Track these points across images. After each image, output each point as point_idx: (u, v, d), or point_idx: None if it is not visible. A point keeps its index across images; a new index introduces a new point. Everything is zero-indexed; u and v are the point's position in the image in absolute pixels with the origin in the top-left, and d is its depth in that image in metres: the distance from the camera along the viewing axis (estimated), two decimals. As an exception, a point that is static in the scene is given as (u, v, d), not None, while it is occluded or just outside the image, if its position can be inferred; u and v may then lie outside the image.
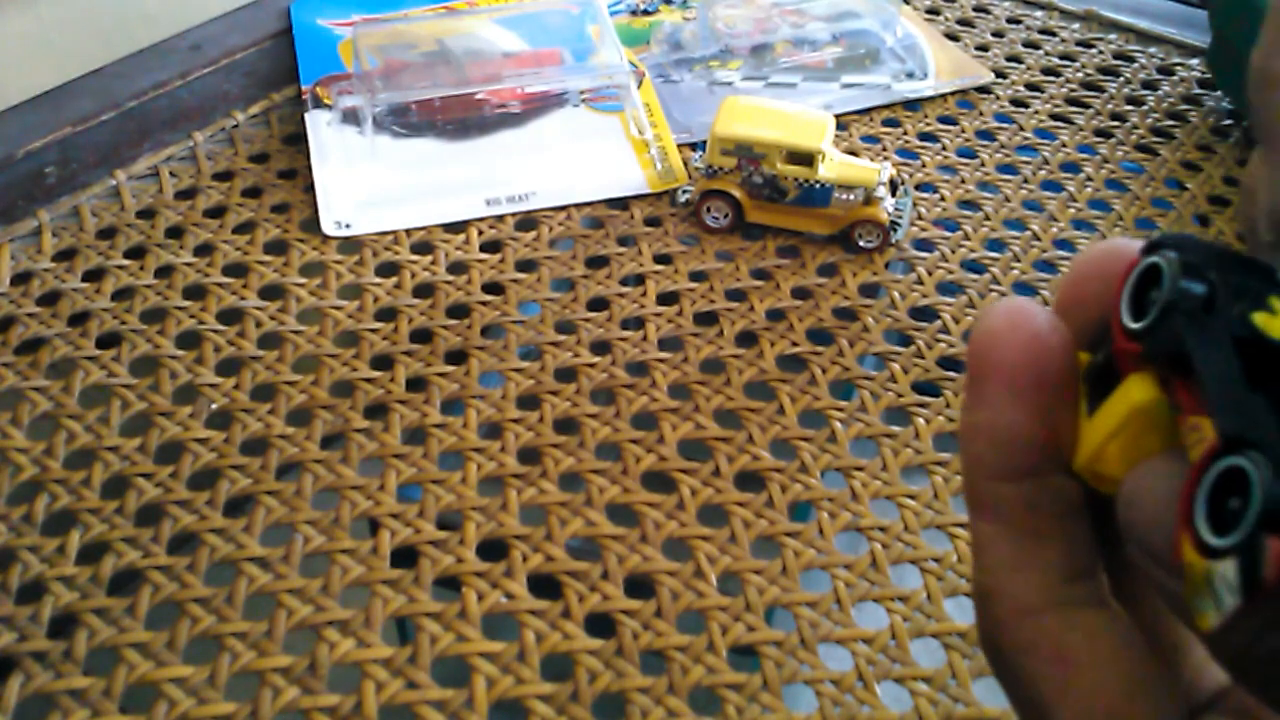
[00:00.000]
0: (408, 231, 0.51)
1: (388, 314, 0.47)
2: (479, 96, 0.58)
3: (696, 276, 0.49)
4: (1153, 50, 0.66)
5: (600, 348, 0.45)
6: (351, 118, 0.56)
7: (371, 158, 0.55)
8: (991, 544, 0.15)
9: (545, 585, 0.36)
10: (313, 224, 0.51)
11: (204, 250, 0.50)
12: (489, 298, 0.48)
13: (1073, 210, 0.54)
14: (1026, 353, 0.15)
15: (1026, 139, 0.59)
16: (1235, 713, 0.15)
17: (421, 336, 0.46)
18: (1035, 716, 0.15)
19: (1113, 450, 0.15)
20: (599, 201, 0.53)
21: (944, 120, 0.60)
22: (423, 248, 0.50)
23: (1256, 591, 0.11)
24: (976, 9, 0.70)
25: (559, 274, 0.49)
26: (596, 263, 0.50)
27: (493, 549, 0.38)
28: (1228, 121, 0.60)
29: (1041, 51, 0.66)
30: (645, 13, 0.67)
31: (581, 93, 0.59)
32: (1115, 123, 0.60)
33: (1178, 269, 0.14)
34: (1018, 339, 0.15)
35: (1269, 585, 0.11)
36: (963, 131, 0.59)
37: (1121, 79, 0.64)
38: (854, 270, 0.50)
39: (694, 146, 0.56)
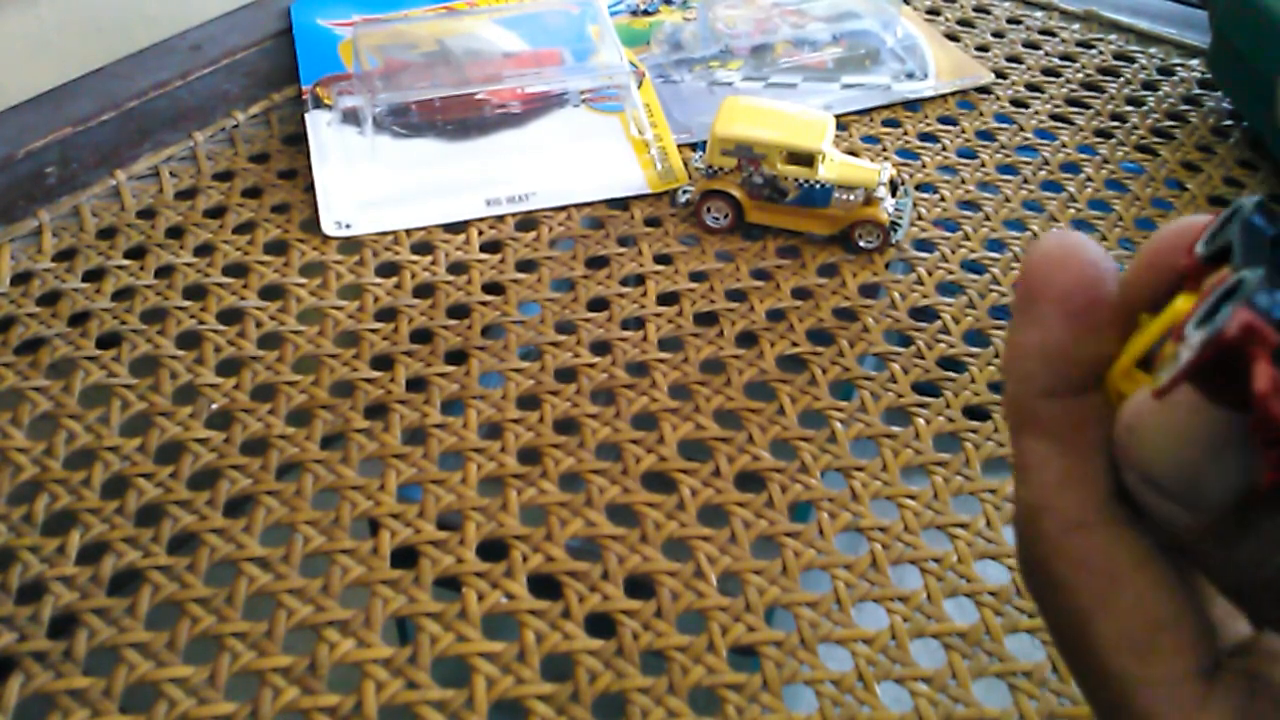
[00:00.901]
0: (408, 231, 0.51)
1: (388, 314, 0.47)
2: (479, 96, 0.58)
3: (696, 277, 0.49)
4: (1153, 50, 0.66)
5: (600, 348, 0.45)
6: (351, 118, 0.56)
7: (371, 158, 0.55)
8: (1042, 460, 0.16)
9: (545, 585, 0.36)
10: (313, 224, 0.51)
11: (204, 250, 0.50)
12: (489, 298, 0.48)
13: (1073, 211, 0.54)
14: (1081, 277, 0.16)
15: (1026, 139, 0.59)
16: (1247, 675, 0.15)
17: (421, 336, 0.46)
18: (1073, 630, 0.15)
19: (1139, 371, 0.15)
20: (599, 201, 0.53)
21: (944, 120, 0.60)
22: (423, 248, 0.50)
23: (1217, 340, 0.12)
24: (977, 9, 0.70)
25: (559, 274, 0.49)
26: (596, 263, 0.50)
27: (493, 549, 0.38)
28: (1228, 122, 0.60)
29: (1041, 52, 0.66)
30: (645, 13, 0.67)
31: (581, 93, 0.59)
32: (1115, 123, 0.60)
33: (1253, 208, 0.14)
34: (1073, 264, 0.16)
35: (1227, 338, 0.12)
36: (963, 132, 0.59)
37: (1121, 79, 0.64)
38: (854, 270, 0.50)
39: (694, 147, 0.56)
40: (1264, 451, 0.12)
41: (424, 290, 0.48)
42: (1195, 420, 0.14)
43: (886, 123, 0.60)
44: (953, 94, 0.62)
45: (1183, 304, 0.15)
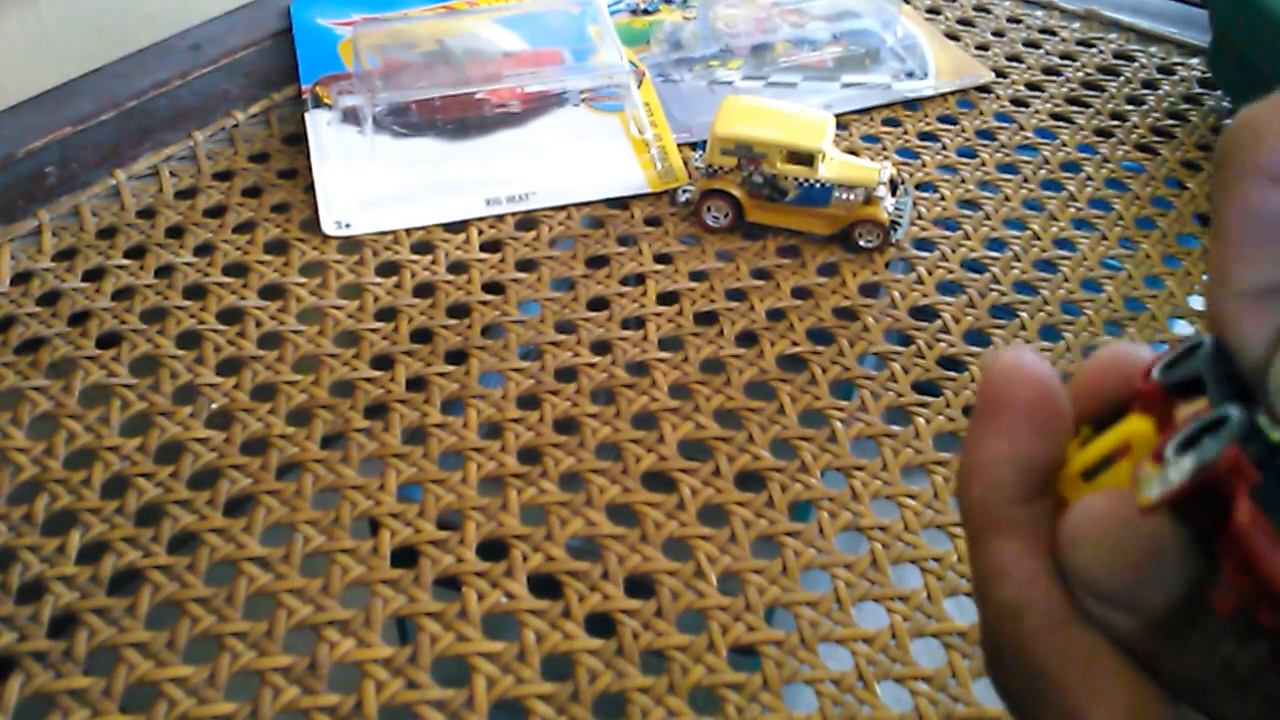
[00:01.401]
0: (408, 231, 0.51)
1: (388, 314, 0.47)
2: (479, 96, 0.58)
3: (697, 276, 0.49)
4: (1153, 50, 0.66)
5: (600, 347, 0.45)
6: (351, 117, 0.56)
7: (371, 157, 0.55)
8: (1018, 562, 0.16)
9: (545, 585, 0.36)
10: (313, 224, 0.51)
11: (204, 250, 0.50)
12: (489, 297, 0.48)
13: (1073, 210, 0.54)
14: (1042, 391, 0.17)
15: (1027, 138, 0.59)
16: None
17: (421, 336, 0.46)
18: None
19: (1083, 481, 0.16)
20: (599, 201, 0.53)
21: (944, 120, 0.60)
22: (423, 247, 0.50)
23: (1208, 469, 0.13)
24: (977, 8, 0.70)
25: (559, 274, 0.49)
26: (596, 262, 0.50)
27: (493, 549, 0.38)
28: (1228, 121, 0.60)
29: (1042, 51, 0.66)
30: (645, 12, 0.67)
31: (581, 92, 0.59)
32: (1115, 122, 0.60)
33: (1213, 346, 0.15)
34: (1033, 379, 0.17)
35: (1219, 469, 0.13)
36: (963, 131, 0.59)
37: (1122, 78, 0.64)
38: (854, 270, 0.50)
39: (694, 146, 0.56)
40: (1233, 577, 0.13)
41: (424, 290, 0.48)
42: (1138, 534, 0.14)
43: (886, 122, 0.60)
44: (953, 93, 0.62)
45: (1138, 424, 0.16)
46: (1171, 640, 0.15)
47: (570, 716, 0.33)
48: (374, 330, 0.46)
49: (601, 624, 0.35)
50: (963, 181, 0.55)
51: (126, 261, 0.49)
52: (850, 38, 0.63)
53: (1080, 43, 0.67)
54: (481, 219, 0.52)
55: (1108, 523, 0.15)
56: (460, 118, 0.57)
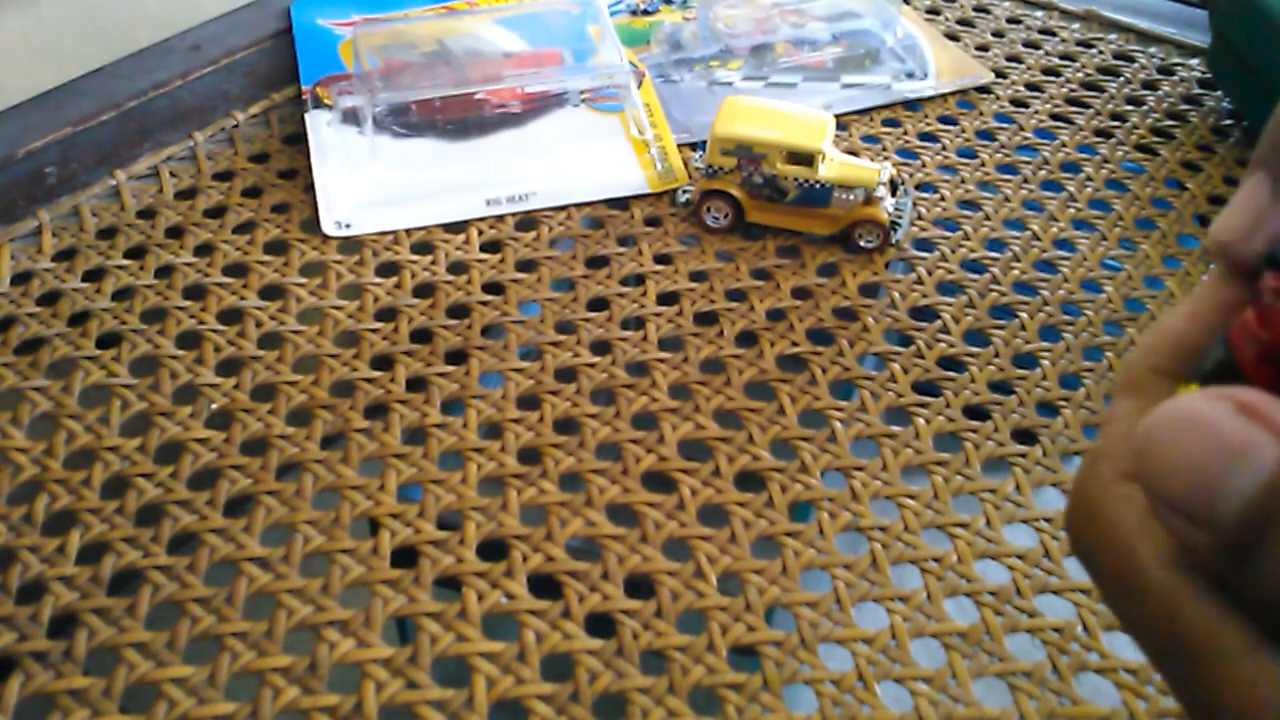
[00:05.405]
0: (408, 231, 0.51)
1: (388, 314, 0.47)
2: (479, 96, 0.58)
3: (696, 276, 0.49)
4: (1153, 50, 0.66)
5: (600, 348, 0.45)
6: (352, 118, 0.56)
7: (372, 158, 0.55)
8: (1123, 416, 0.17)
9: (545, 585, 0.36)
10: (313, 224, 0.51)
11: (204, 250, 0.50)
12: (489, 298, 0.48)
13: (1073, 210, 0.54)
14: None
15: (1026, 139, 0.59)
16: None
17: (421, 336, 0.46)
18: (1115, 558, 0.16)
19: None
20: (599, 201, 0.53)
21: (944, 120, 0.60)
22: (423, 248, 0.50)
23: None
24: (977, 9, 0.70)
25: (559, 274, 0.49)
26: (596, 263, 0.50)
27: (493, 549, 0.38)
28: (1228, 121, 0.60)
29: (1042, 51, 0.66)
30: (645, 13, 0.67)
31: (581, 93, 0.59)
32: (1115, 123, 0.60)
33: None
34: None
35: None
36: (963, 131, 0.59)
37: (1121, 79, 0.64)
38: (854, 270, 0.50)
39: (694, 146, 0.56)
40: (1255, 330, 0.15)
41: (424, 290, 0.48)
42: (1211, 430, 0.14)
43: (886, 122, 0.60)
44: (953, 93, 0.62)
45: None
46: (1241, 558, 0.14)
47: (570, 717, 0.33)
48: (374, 330, 0.46)
49: (601, 624, 0.35)
50: (963, 182, 0.55)
51: (126, 262, 0.49)
52: (850, 38, 0.63)
53: (1080, 43, 0.67)
54: (481, 219, 0.52)
55: (1189, 423, 0.14)
56: (460, 118, 0.57)
